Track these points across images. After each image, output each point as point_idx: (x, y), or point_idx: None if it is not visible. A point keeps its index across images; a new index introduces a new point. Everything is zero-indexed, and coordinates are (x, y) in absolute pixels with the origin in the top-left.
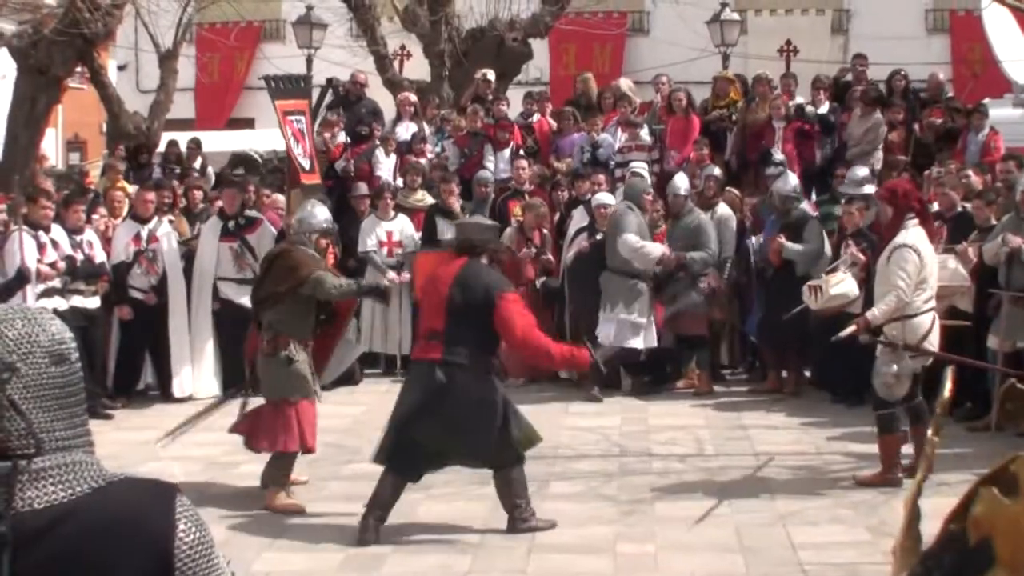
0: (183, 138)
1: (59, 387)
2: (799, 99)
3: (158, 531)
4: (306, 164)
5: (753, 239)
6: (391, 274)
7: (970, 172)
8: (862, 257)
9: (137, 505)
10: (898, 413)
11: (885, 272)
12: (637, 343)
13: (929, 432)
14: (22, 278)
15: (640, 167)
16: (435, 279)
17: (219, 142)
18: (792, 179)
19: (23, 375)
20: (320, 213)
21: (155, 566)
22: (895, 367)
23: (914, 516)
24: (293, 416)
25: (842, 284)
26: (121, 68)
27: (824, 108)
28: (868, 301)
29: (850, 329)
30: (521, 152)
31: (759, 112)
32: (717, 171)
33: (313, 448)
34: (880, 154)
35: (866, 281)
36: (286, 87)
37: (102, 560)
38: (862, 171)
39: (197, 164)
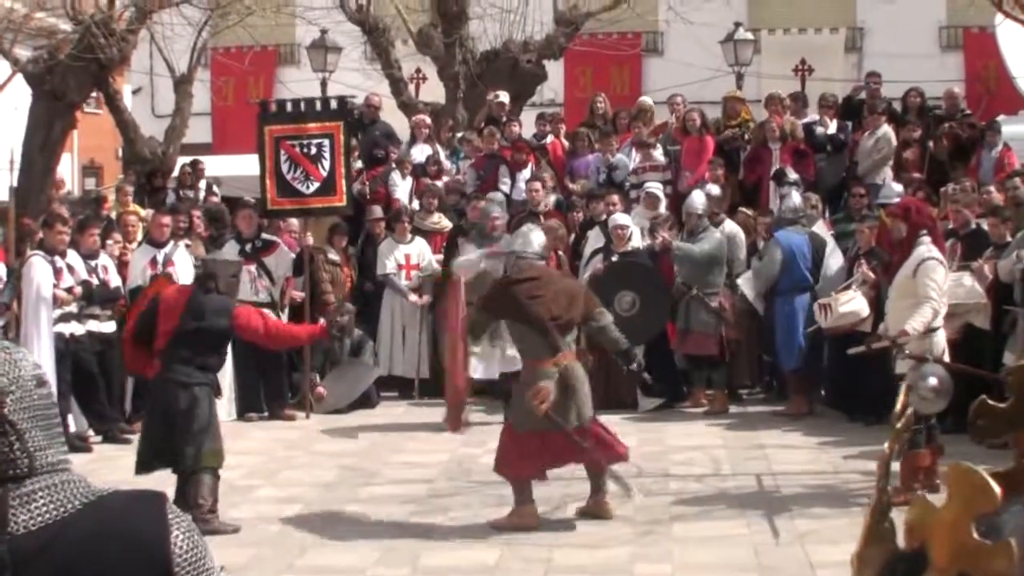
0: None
1: (46, 408)
2: (812, 117)
3: (153, 540)
4: (304, 188)
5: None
6: (412, 296)
7: (992, 188)
8: (872, 275)
9: (129, 516)
10: (925, 430)
11: (909, 286)
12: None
13: (886, 445)
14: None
15: (655, 187)
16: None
17: (238, 166)
18: (795, 197)
19: (17, 397)
20: (536, 239)
21: (154, 575)
22: (934, 381)
23: (877, 527)
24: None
25: (852, 302)
26: (136, 92)
27: (832, 128)
28: (879, 319)
29: (883, 343)
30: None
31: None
32: (717, 190)
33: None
34: (889, 170)
35: (876, 300)
36: (295, 112)
37: (100, 574)
38: (897, 186)
39: (203, 185)
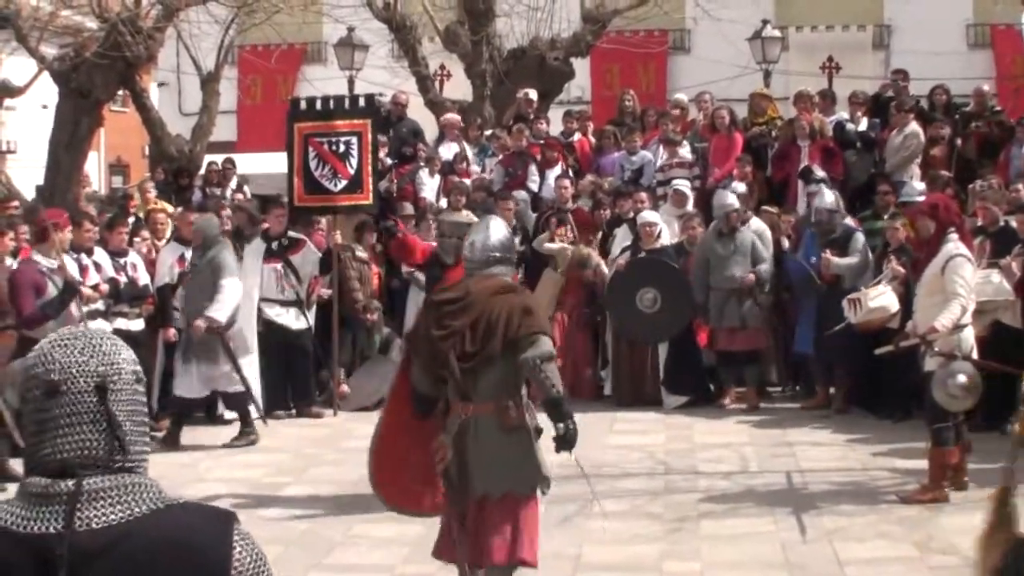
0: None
1: (140, 404)
2: (841, 115)
3: (214, 556)
4: (332, 186)
5: (797, 256)
6: None
7: (1020, 187)
8: (901, 270)
9: (194, 529)
10: (953, 426)
11: (937, 283)
12: (220, 387)
13: (1016, 427)
14: (72, 290)
15: (682, 185)
16: None
17: (263, 164)
18: (828, 195)
19: (117, 389)
20: (491, 236)
21: None
22: (963, 378)
23: (1001, 512)
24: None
25: (881, 297)
26: (162, 85)
27: (863, 125)
28: (907, 315)
29: (911, 341)
30: (569, 172)
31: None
32: (743, 187)
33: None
34: (917, 168)
35: (905, 296)
36: (325, 109)
37: None
38: (920, 185)
39: (233, 183)
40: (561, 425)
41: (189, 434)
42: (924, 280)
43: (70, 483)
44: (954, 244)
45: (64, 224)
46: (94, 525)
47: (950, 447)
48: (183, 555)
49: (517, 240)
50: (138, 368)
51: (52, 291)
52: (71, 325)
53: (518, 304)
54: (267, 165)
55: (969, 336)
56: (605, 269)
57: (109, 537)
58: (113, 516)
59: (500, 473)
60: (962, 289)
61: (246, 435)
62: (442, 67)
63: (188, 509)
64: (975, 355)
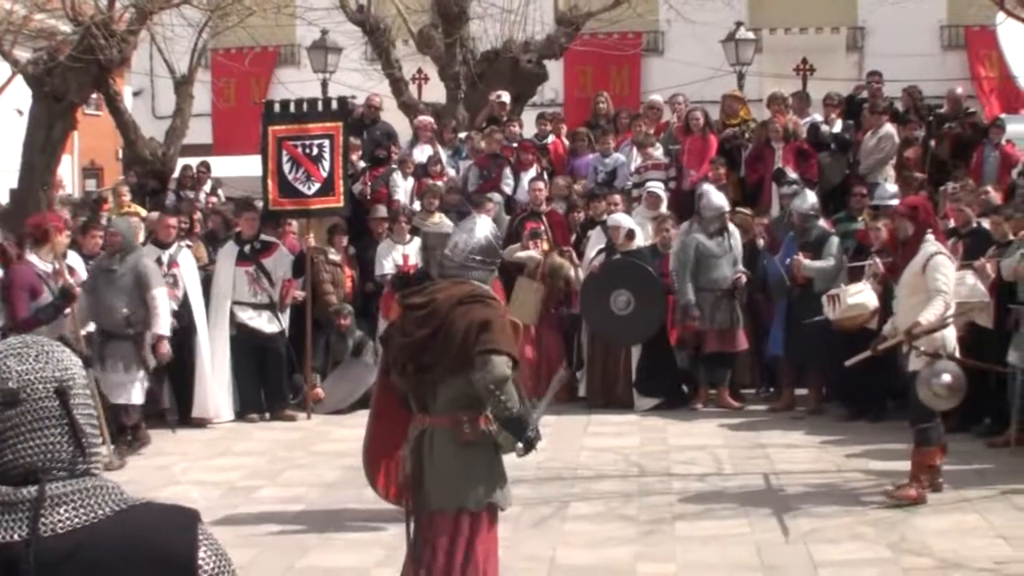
0: (198, 163)
1: (92, 408)
2: (815, 116)
3: (179, 557)
4: (306, 189)
5: (775, 258)
6: None
7: (989, 188)
8: (882, 267)
9: (158, 530)
10: (937, 426)
11: (918, 283)
12: (129, 398)
13: None
14: (69, 295)
15: (656, 187)
16: None
17: (238, 167)
18: (811, 197)
19: (74, 393)
20: (476, 235)
21: None
22: (948, 378)
23: None
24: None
25: (860, 295)
26: (136, 94)
27: (837, 126)
28: (884, 319)
29: (890, 343)
30: (544, 174)
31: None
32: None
33: None
34: (891, 170)
35: (884, 296)
36: (298, 112)
37: None
38: (892, 187)
39: (207, 187)
40: (521, 446)
41: (163, 436)
42: (904, 280)
43: (32, 490)
44: (932, 244)
45: (62, 228)
46: (58, 530)
47: (933, 447)
48: (146, 557)
49: None
50: (85, 373)
51: (47, 295)
52: (64, 331)
53: (478, 318)
54: (241, 168)
55: (953, 335)
56: (581, 275)
57: (74, 541)
58: (77, 520)
59: (452, 487)
60: (944, 286)
61: (131, 446)
62: (419, 71)
63: (152, 509)
64: (958, 354)
